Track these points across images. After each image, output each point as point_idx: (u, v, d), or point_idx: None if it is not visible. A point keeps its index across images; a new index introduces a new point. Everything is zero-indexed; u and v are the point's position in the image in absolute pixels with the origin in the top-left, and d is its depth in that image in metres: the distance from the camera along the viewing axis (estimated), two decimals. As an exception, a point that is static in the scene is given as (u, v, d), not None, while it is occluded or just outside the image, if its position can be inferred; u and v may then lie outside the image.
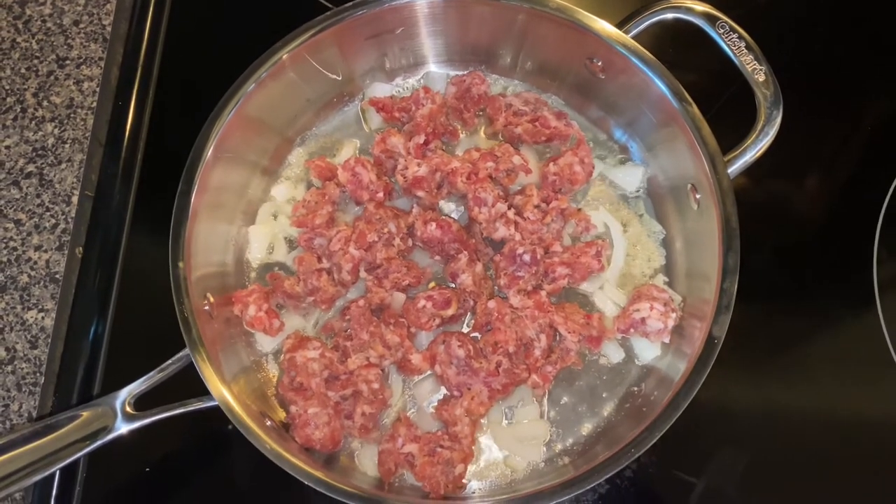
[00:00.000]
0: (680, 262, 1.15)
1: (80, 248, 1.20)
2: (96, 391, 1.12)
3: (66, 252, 1.18)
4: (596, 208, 1.19)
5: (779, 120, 1.00)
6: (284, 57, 1.10)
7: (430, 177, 1.15)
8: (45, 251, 1.18)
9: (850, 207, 1.24)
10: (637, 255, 1.17)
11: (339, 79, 1.21)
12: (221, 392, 0.97)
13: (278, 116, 1.19)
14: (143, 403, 0.99)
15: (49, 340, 1.13)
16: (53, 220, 1.20)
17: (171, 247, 1.02)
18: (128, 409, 0.98)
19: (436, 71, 1.27)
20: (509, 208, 1.12)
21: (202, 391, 0.97)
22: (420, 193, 1.16)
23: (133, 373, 1.00)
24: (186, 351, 0.99)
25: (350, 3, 1.10)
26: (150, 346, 1.11)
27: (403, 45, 1.21)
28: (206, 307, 1.05)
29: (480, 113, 1.25)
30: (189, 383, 0.98)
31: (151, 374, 1.00)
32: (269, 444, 0.95)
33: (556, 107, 1.23)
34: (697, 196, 1.07)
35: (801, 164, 1.25)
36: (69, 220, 1.20)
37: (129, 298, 1.17)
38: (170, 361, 1.00)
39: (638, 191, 1.20)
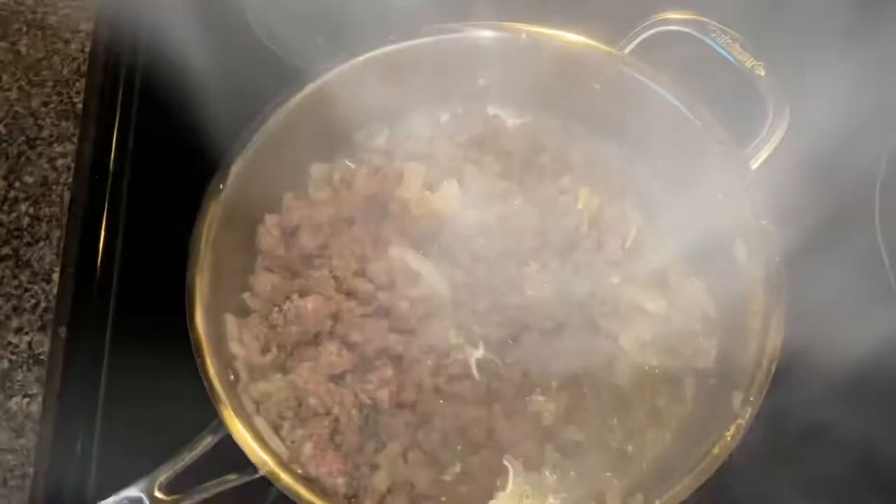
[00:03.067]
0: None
1: (64, 328, 1.10)
2: (93, 476, 1.01)
3: (49, 332, 1.10)
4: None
5: (787, 112, 0.99)
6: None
7: None
8: (27, 333, 1.10)
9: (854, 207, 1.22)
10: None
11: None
12: (265, 460, 0.85)
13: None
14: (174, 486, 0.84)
15: (36, 428, 1.03)
16: (34, 300, 1.12)
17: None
18: (158, 494, 0.83)
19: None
20: None
21: (238, 463, 0.85)
22: None
23: (138, 449, 0.91)
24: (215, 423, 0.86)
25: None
26: (146, 421, 1.02)
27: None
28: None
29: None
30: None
31: (181, 454, 0.85)
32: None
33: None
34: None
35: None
36: (50, 298, 1.12)
37: (122, 372, 1.07)
38: (200, 436, 0.87)
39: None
